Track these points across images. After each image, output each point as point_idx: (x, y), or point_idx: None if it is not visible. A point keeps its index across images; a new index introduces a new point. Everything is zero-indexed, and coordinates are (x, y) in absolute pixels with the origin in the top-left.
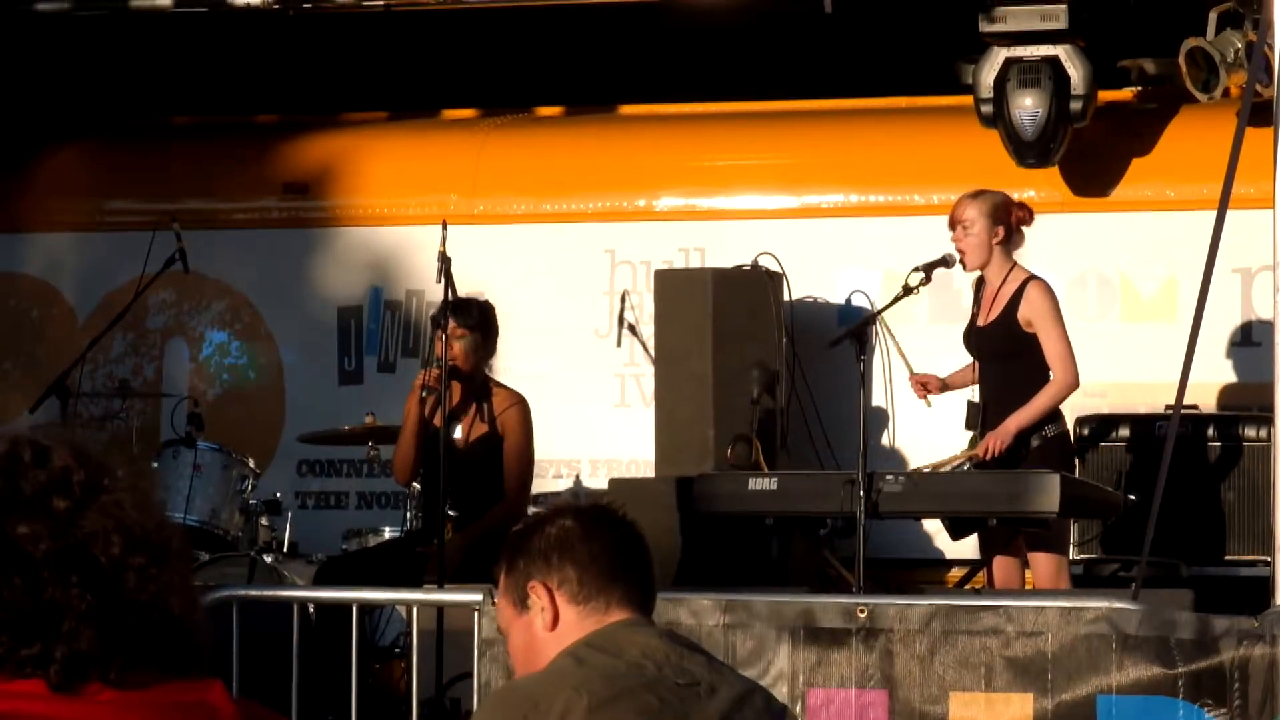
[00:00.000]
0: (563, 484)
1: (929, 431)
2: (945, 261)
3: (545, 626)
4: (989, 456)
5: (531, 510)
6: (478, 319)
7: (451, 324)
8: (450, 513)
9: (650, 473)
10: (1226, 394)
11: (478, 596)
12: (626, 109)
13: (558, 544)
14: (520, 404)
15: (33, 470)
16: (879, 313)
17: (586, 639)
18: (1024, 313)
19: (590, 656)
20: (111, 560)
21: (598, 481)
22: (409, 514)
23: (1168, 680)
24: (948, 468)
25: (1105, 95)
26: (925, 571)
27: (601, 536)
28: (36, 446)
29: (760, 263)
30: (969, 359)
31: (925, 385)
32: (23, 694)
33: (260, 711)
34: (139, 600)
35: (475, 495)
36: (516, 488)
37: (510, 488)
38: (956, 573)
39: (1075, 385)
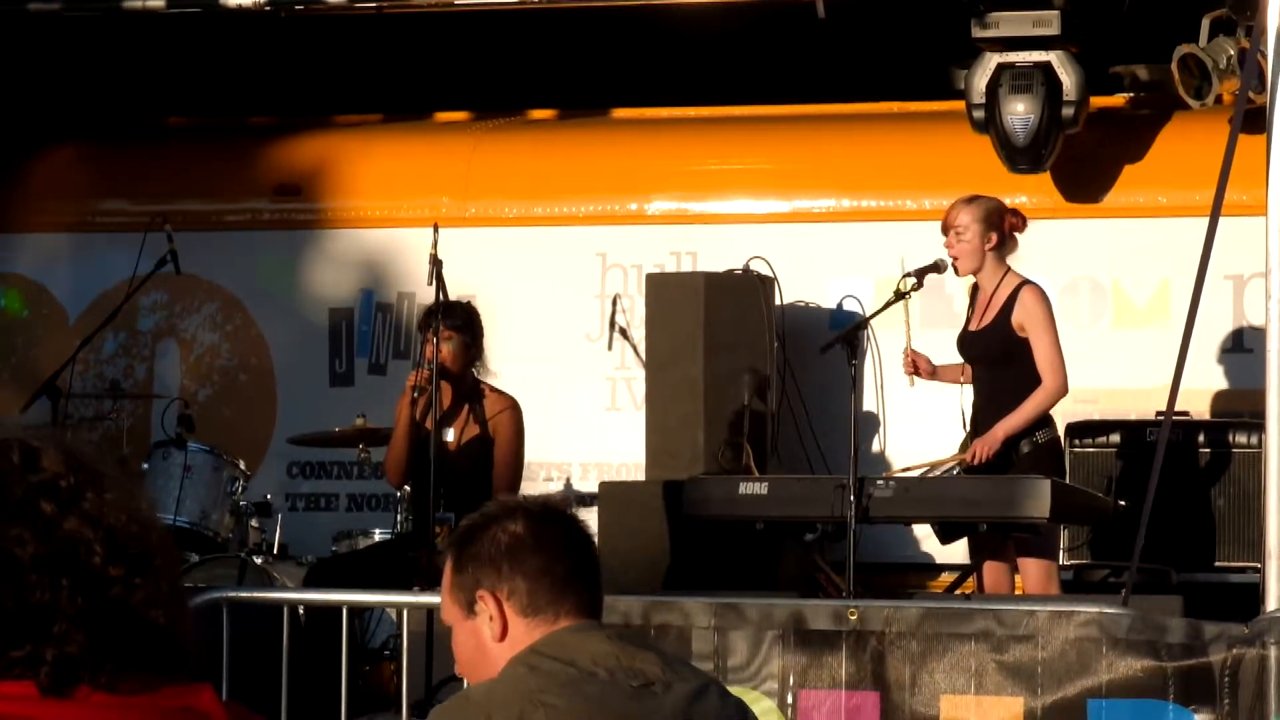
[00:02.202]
0: (553, 486)
1: (920, 436)
2: (937, 267)
3: (494, 637)
4: (976, 462)
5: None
6: (464, 321)
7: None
8: (446, 515)
9: (641, 476)
10: (1218, 400)
11: None
12: (619, 112)
13: (508, 553)
14: (513, 408)
15: (21, 473)
16: (870, 318)
17: (536, 646)
18: (1018, 318)
19: (543, 664)
20: (94, 568)
21: (588, 484)
22: (399, 516)
23: (1158, 684)
24: (936, 471)
25: (1098, 101)
26: (915, 576)
27: (552, 545)
28: (26, 448)
29: (752, 267)
30: (961, 362)
31: (916, 365)
32: (12, 696)
33: (249, 717)
34: (123, 607)
35: (468, 497)
36: (505, 492)
37: (499, 491)
38: (946, 577)
39: (1064, 392)
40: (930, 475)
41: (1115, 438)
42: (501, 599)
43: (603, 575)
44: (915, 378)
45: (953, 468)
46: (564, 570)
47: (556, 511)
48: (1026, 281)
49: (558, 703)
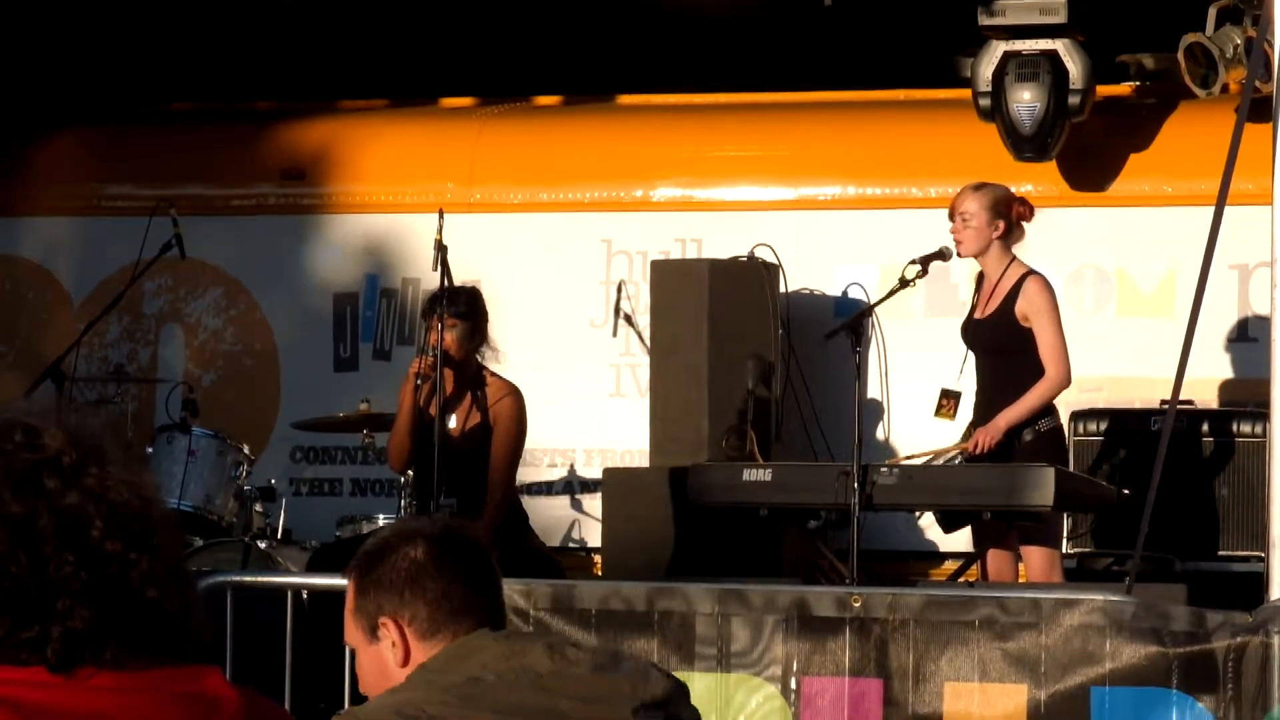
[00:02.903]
0: (557, 473)
1: (924, 424)
2: (942, 255)
3: (397, 662)
4: (978, 451)
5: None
6: (467, 307)
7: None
8: (448, 501)
9: (645, 463)
10: (1222, 389)
11: None
12: (624, 99)
13: (408, 579)
14: (514, 395)
15: (24, 451)
16: (875, 305)
17: (426, 663)
18: (1021, 307)
19: (432, 678)
20: (93, 542)
21: (592, 471)
22: (403, 501)
23: (1161, 672)
24: (938, 460)
25: (1104, 90)
26: (919, 564)
27: (452, 569)
28: (28, 428)
29: (756, 254)
30: (965, 352)
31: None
32: (23, 681)
33: (260, 700)
34: (122, 584)
35: (470, 484)
36: (500, 486)
37: (493, 484)
38: (950, 566)
39: (1067, 382)
40: (932, 464)
41: (1119, 426)
42: (403, 624)
43: (503, 592)
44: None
45: (954, 456)
46: (462, 592)
47: (457, 535)
48: (1031, 271)
49: (444, 712)
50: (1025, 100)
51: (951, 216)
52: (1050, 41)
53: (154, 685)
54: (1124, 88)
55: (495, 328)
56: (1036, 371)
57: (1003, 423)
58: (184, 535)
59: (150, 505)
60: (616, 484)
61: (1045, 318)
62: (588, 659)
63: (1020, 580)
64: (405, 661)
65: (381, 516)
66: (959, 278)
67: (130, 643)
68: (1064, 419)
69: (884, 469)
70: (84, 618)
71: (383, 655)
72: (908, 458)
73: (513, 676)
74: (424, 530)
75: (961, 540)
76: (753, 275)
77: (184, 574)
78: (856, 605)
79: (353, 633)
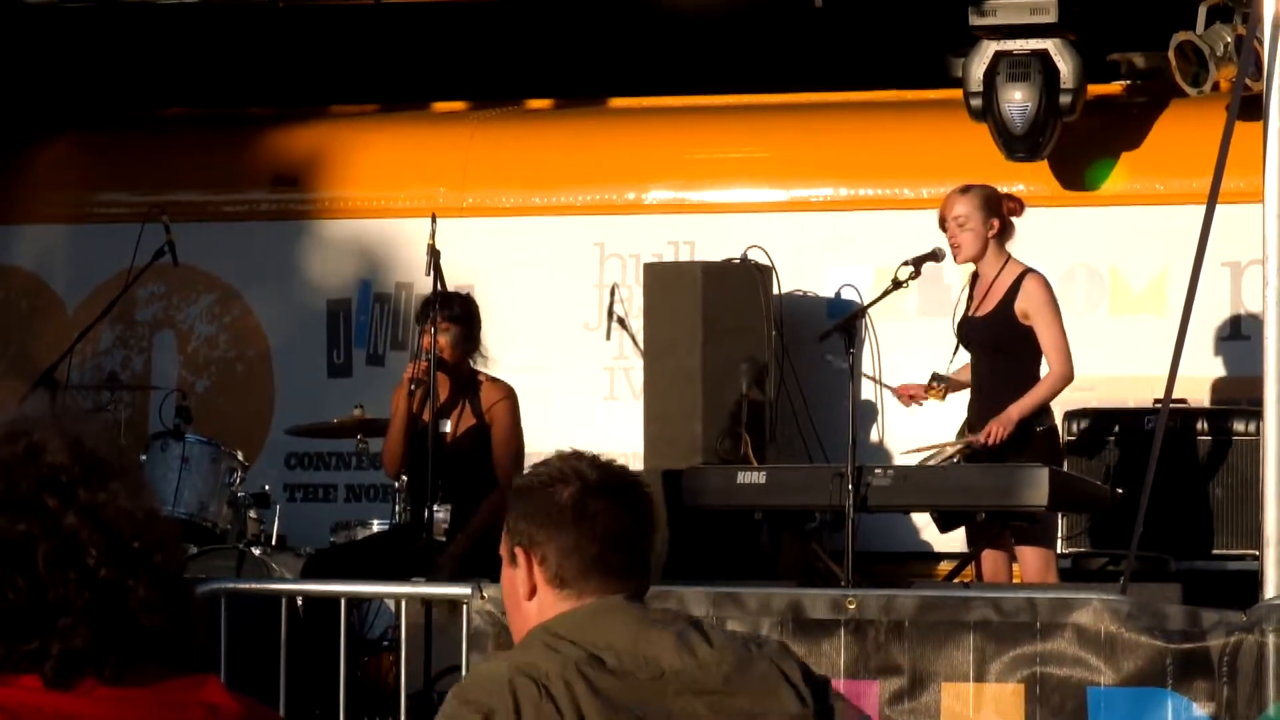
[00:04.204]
0: None
1: (918, 425)
2: (935, 255)
3: (525, 595)
4: (992, 442)
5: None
6: (460, 312)
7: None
8: (444, 506)
9: (639, 466)
10: (1216, 388)
11: (466, 590)
12: (616, 102)
13: (548, 519)
14: (509, 396)
15: (27, 465)
16: (868, 306)
17: (551, 625)
18: (1021, 305)
19: (558, 645)
20: (90, 566)
21: None
22: (397, 507)
23: (1157, 672)
24: (942, 456)
25: (1095, 89)
26: (914, 565)
27: (590, 523)
28: (31, 439)
29: (750, 256)
30: (959, 352)
31: (913, 396)
32: (21, 687)
33: (259, 708)
34: (121, 607)
35: (465, 488)
36: (507, 477)
37: (502, 477)
38: (945, 566)
39: (1071, 377)
40: (939, 458)
41: (1113, 426)
42: (534, 561)
43: (650, 549)
44: (915, 401)
45: (960, 449)
46: (595, 551)
47: (614, 483)
48: (1029, 269)
49: (563, 690)
50: (1016, 100)
51: (943, 224)
52: (1041, 41)
53: (153, 694)
54: (1115, 87)
55: (489, 332)
56: (1034, 368)
57: (1015, 414)
58: (182, 547)
59: (148, 522)
60: None
61: (1046, 315)
62: (716, 662)
63: (1015, 580)
64: (530, 596)
65: (376, 522)
66: (951, 278)
67: (130, 657)
68: (1058, 418)
69: (879, 470)
70: (84, 636)
71: (515, 580)
72: (910, 451)
73: (636, 667)
74: (582, 472)
75: (956, 541)
76: (746, 277)
77: (182, 588)
78: (851, 607)
79: (504, 546)
